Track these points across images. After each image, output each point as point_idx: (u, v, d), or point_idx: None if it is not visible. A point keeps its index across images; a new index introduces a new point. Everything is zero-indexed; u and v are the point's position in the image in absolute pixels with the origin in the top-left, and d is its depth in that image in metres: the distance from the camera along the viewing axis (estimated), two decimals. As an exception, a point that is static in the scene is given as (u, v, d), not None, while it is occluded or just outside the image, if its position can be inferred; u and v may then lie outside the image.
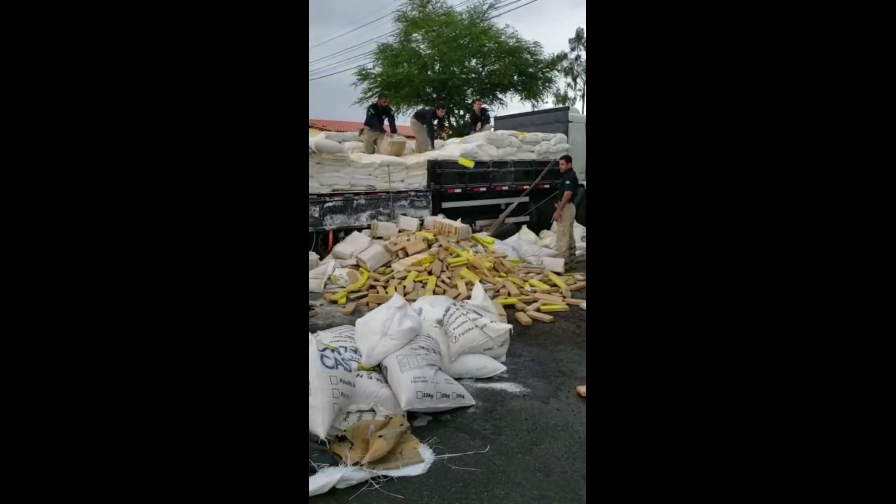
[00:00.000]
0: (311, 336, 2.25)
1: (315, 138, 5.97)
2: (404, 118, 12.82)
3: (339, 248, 5.33)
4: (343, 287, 4.58)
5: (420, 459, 1.96)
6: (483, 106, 8.63)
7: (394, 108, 9.38)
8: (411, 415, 2.25)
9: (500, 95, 14.34)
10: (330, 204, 5.55)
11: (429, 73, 13.76)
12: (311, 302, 4.14)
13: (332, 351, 2.25)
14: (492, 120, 8.78)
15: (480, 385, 2.69)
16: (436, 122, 7.72)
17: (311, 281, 4.75)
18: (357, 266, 4.94)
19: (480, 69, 14.12)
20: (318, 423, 1.92)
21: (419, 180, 6.26)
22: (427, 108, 8.36)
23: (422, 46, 14.01)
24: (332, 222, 5.58)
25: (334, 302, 4.28)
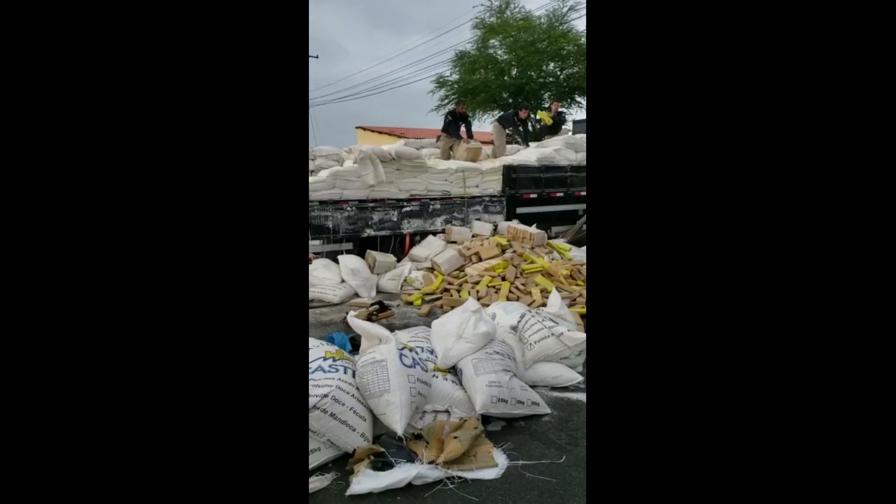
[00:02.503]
0: (390, 334, 2.33)
1: (394, 145, 6.20)
2: (479, 124, 12.91)
3: (416, 251, 5.48)
4: (418, 289, 4.70)
5: (494, 464, 1.96)
6: (560, 109, 8.46)
7: (470, 115, 9.46)
8: (485, 419, 2.26)
9: (578, 99, 13.98)
10: (407, 208, 5.72)
11: (505, 78, 13.74)
12: (388, 302, 4.29)
13: (410, 350, 2.32)
14: (568, 123, 8.58)
15: (556, 394, 2.64)
16: (520, 125, 7.71)
17: (388, 282, 4.93)
18: (432, 269, 5.04)
19: (559, 73, 13.86)
20: (397, 419, 1.99)
21: (494, 185, 6.27)
22: (509, 111, 8.35)
23: (499, 52, 14.03)
24: (409, 226, 5.75)
25: (410, 303, 4.40)
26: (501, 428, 2.27)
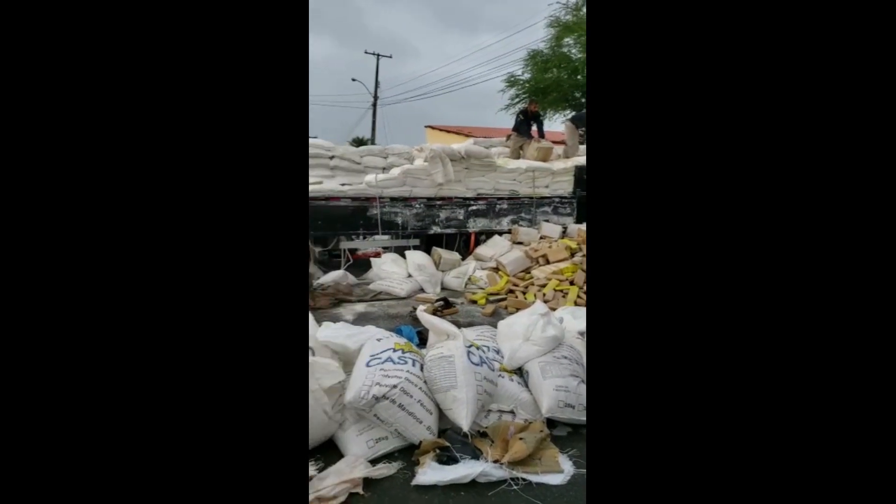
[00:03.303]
0: (458, 331, 2.35)
1: (464, 144, 6.24)
2: (550, 123, 12.66)
3: (480, 250, 5.48)
4: (482, 288, 4.70)
5: (559, 469, 1.93)
6: None
7: (542, 114, 9.30)
8: (551, 423, 2.22)
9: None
10: (474, 207, 5.74)
11: (578, 77, 13.37)
12: (452, 299, 4.33)
13: (478, 349, 2.33)
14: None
15: (625, 405, 2.54)
16: None
17: (452, 280, 4.98)
18: (497, 269, 5.02)
19: (635, 71, 13.28)
20: (463, 415, 2.01)
21: (565, 186, 6.13)
22: (583, 111, 8.11)
23: (573, 51, 13.68)
24: (475, 225, 5.77)
25: (474, 302, 4.41)
26: (567, 434, 2.22)
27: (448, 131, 15.66)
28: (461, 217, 5.70)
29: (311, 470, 1.71)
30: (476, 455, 1.95)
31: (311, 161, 6.24)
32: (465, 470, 1.84)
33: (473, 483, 1.83)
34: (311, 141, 6.44)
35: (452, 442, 1.98)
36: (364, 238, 5.53)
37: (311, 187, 5.31)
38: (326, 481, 1.72)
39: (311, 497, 1.63)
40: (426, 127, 17.12)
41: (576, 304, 3.98)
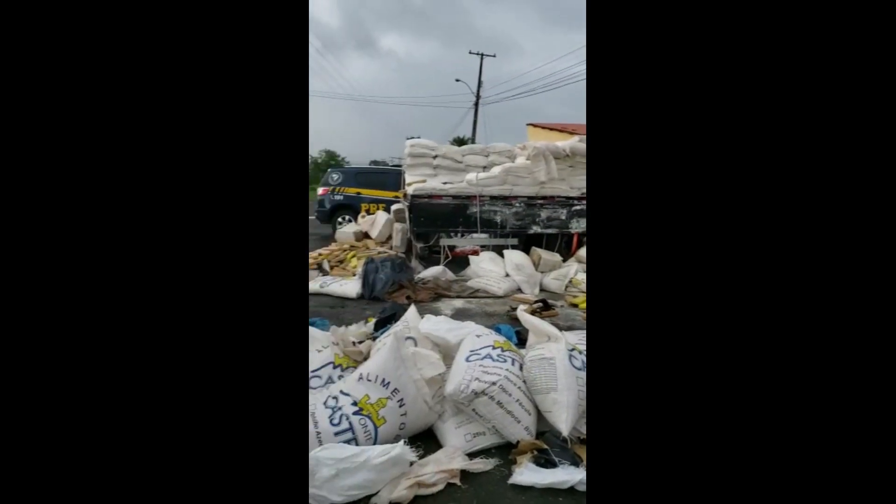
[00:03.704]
0: (560, 334, 2.29)
1: (569, 142, 6.05)
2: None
3: (583, 252, 5.29)
4: (584, 292, 4.53)
5: (668, 489, 1.80)
6: None
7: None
8: (658, 439, 2.07)
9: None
10: (577, 207, 5.55)
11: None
12: (551, 302, 4.24)
13: (580, 353, 2.25)
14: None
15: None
16: None
17: (552, 281, 4.87)
18: (600, 272, 4.81)
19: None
20: (563, 419, 1.96)
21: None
22: None
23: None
24: (578, 226, 5.57)
25: (575, 305, 4.27)
26: (677, 453, 2.06)
27: (551, 129, 15.30)
28: (563, 217, 5.55)
29: (413, 455, 1.78)
30: (575, 462, 1.88)
31: (415, 160, 6.49)
32: (563, 475, 1.80)
33: (572, 490, 1.78)
34: (416, 140, 6.69)
35: (551, 445, 1.94)
36: (463, 235, 5.63)
37: (414, 185, 5.53)
38: (427, 468, 1.78)
39: (412, 482, 1.70)
40: (528, 125, 16.90)
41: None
